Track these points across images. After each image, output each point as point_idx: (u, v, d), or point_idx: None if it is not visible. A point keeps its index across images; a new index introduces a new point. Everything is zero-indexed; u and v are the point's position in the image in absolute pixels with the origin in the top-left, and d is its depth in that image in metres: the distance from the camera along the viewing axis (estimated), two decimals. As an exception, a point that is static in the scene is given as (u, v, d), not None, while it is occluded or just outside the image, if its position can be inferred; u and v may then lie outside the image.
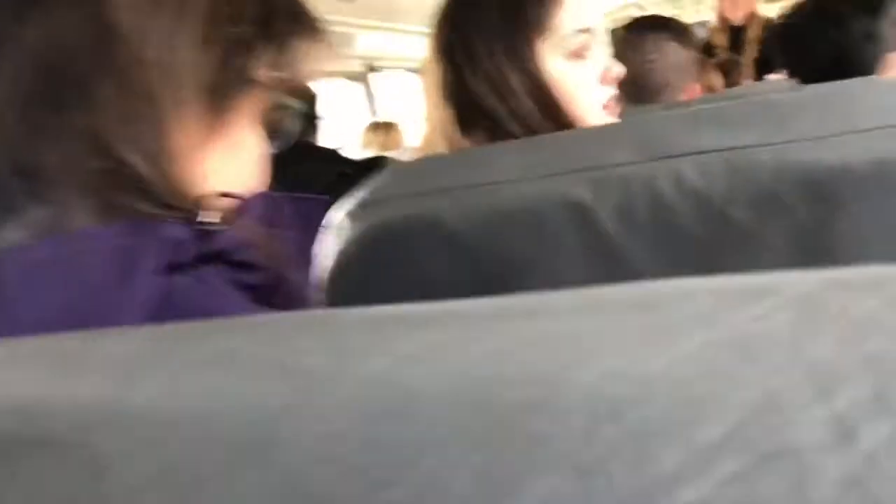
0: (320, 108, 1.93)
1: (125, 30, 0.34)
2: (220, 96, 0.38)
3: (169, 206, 0.36)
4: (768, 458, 0.11)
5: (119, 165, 0.34)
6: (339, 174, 1.44)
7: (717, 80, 2.22)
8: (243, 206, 0.40)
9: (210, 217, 0.38)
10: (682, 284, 0.15)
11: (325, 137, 2.14)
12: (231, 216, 0.39)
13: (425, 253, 0.59)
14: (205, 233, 0.37)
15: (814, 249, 0.49)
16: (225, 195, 0.39)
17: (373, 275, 0.60)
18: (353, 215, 0.61)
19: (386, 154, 2.77)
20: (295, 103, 0.46)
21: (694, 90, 1.43)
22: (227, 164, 0.41)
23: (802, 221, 0.48)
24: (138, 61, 0.34)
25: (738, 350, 0.13)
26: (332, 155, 1.84)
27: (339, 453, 0.12)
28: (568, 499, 0.11)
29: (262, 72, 0.40)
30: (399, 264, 0.59)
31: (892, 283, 0.14)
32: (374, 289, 0.60)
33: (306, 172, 1.62)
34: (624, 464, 0.11)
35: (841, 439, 0.11)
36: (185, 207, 0.37)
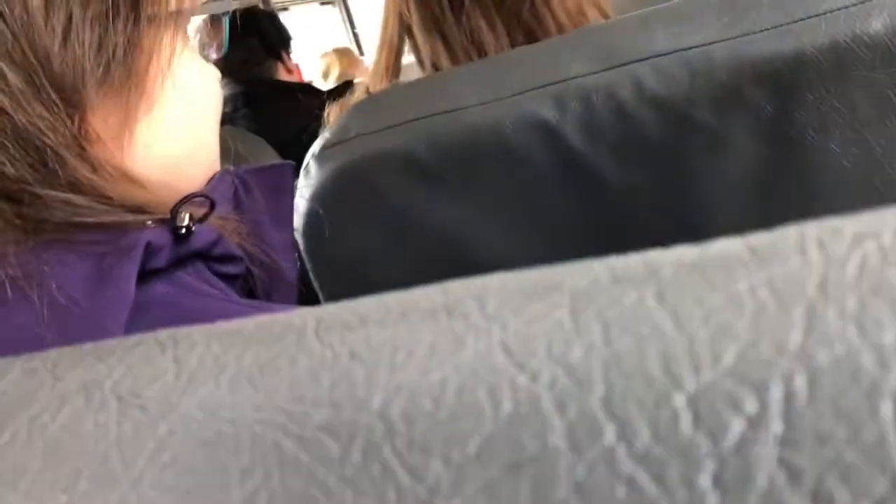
0: (285, 37, 1.86)
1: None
2: (122, 61, 0.35)
3: (137, 210, 0.35)
4: (514, 468, 0.12)
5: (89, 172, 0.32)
6: (318, 107, 1.41)
7: None
8: (212, 194, 0.39)
9: (183, 219, 0.36)
10: (475, 284, 0.16)
11: (302, 66, 2.08)
12: (202, 211, 0.38)
13: (398, 189, 0.58)
14: (180, 234, 0.36)
15: (778, 142, 0.48)
16: (194, 195, 0.37)
17: (347, 217, 0.59)
18: (319, 158, 0.60)
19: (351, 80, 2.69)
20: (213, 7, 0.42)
21: None
22: (181, 120, 0.38)
23: (764, 115, 0.47)
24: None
25: (509, 356, 0.14)
26: (306, 88, 1.81)
27: (167, 481, 0.14)
28: None
29: (159, 7, 0.36)
30: (372, 204, 0.59)
31: (664, 270, 0.14)
32: (350, 232, 0.60)
33: (284, 110, 1.59)
34: (393, 483, 0.12)
35: (574, 447, 0.12)
36: (156, 209, 0.36)
